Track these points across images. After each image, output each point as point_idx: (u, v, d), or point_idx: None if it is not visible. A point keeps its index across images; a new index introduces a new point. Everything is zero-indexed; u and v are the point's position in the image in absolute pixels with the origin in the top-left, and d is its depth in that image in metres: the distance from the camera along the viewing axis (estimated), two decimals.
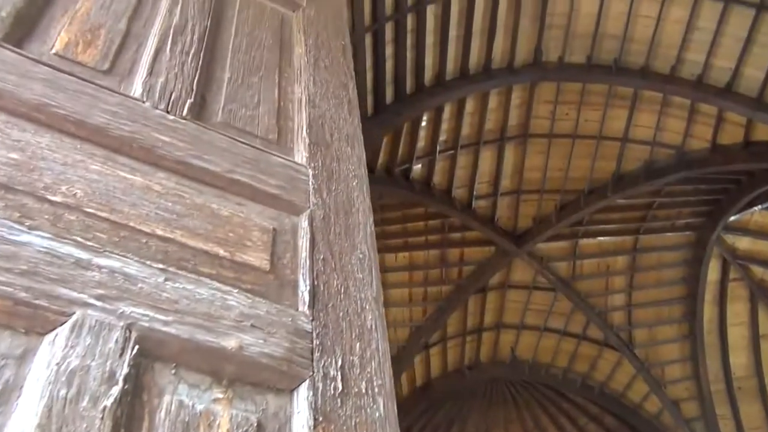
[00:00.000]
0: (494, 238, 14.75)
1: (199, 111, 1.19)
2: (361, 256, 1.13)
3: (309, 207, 1.17)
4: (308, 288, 1.01)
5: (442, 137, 12.90)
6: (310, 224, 1.13)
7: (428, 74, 11.79)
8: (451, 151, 13.19)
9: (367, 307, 1.04)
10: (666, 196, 14.38)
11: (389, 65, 11.11)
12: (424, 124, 12.41)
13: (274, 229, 1.09)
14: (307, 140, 1.29)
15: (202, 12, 1.38)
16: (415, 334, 15.78)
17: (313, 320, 0.97)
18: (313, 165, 1.26)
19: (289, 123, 1.33)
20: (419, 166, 13.09)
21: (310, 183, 1.22)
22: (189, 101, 1.17)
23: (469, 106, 12.69)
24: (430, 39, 11.40)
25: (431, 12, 11.09)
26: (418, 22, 11.01)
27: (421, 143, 12.72)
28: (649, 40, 11.80)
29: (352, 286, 1.06)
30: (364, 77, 10.64)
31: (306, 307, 0.99)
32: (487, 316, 16.60)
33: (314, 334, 0.94)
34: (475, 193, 14.05)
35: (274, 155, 1.22)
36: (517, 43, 12.11)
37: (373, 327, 1.01)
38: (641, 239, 15.26)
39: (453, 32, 11.55)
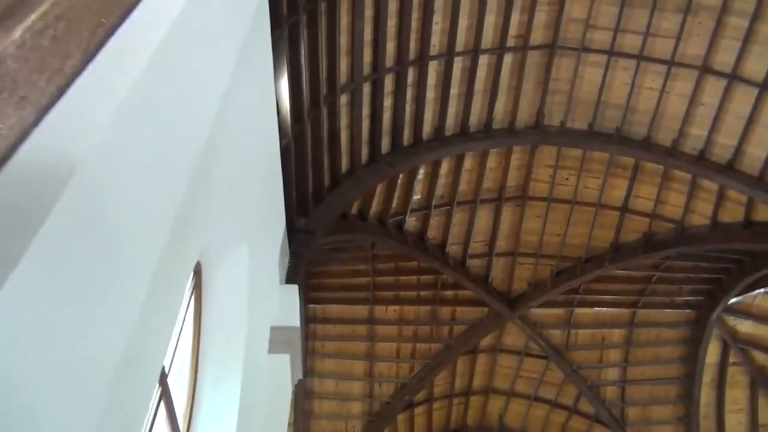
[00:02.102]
0: (487, 300, 14.47)
1: None
2: None
3: None
4: None
5: (439, 192, 12.83)
6: None
7: (427, 128, 11.82)
8: (447, 207, 13.10)
9: None
10: (666, 270, 14.06)
11: (387, 116, 11.16)
12: (420, 177, 12.36)
13: None
14: None
15: None
16: (401, 391, 15.38)
17: None
18: None
19: None
20: (413, 219, 12.99)
21: None
22: None
23: (468, 163, 12.65)
24: (431, 94, 11.47)
25: (433, 68, 11.19)
26: (419, 76, 11.10)
27: (417, 196, 12.65)
28: (652, 111, 11.76)
29: None
30: (361, 125, 10.68)
31: None
32: (477, 379, 16.15)
33: None
34: (469, 251, 13.87)
35: None
36: (520, 105, 12.14)
37: None
38: (639, 313, 14.87)
39: (455, 89, 11.62)
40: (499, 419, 16.60)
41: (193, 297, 5.41)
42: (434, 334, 15.11)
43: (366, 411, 15.41)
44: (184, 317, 5.09)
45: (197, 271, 5.51)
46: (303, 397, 14.49)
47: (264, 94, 6.51)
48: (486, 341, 15.51)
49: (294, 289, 8.14)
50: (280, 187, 8.09)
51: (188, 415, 5.32)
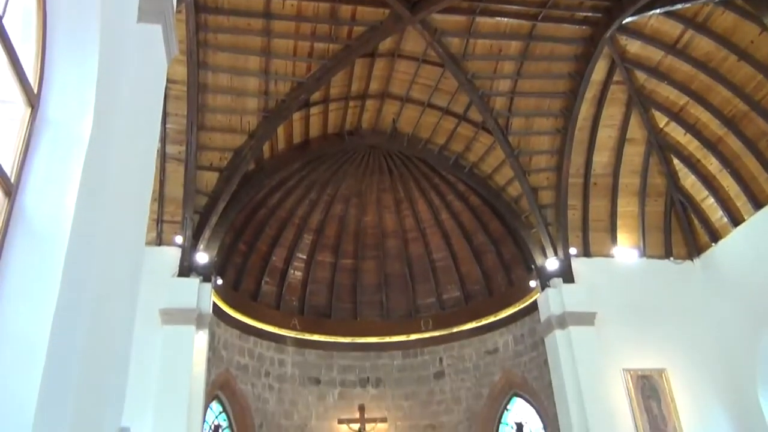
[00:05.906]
0: (389, 0, 13.95)
1: None
2: None
3: None
4: None
5: None
6: None
7: None
8: None
9: None
10: None
11: None
12: None
13: None
14: None
15: None
16: (297, 89, 15.39)
17: None
18: None
19: None
20: None
21: None
22: None
23: None
24: None
25: None
26: None
27: None
28: None
29: None
30: None
31: None
32: (374, 83, 16.33)
33: None
34: None
35: None
36: None
37: None
38: (538, 27, 14.90)
39: None
40: (392, 123, 17.24)
41: None
42: (333, 34, 14.73)
43: (261, 107, 15.51)
44: None
45: None
46: (195, 89, 14.30)
47: None
48: (385, 45, 15.36)
49: None
50: None
51: (39, 69, 5.06)
